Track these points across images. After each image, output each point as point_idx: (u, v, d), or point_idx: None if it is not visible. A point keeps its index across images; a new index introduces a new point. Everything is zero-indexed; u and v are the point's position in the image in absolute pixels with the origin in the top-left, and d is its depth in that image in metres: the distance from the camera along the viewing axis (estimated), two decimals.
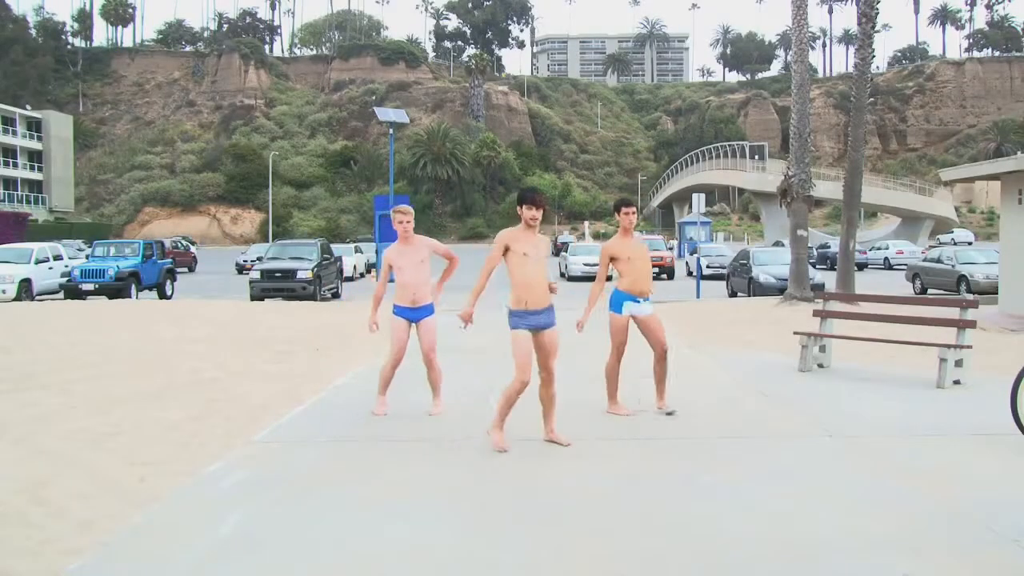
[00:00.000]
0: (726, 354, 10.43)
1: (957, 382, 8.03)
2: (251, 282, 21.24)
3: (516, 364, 5.56)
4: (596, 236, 71.29)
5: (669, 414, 6.77)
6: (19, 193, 70.21)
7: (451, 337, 9.03)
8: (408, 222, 6.79)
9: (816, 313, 9.70)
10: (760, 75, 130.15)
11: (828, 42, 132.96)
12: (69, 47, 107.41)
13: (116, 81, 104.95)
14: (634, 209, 6.74)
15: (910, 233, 53.72)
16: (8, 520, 4.36)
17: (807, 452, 5.71)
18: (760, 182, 57.90)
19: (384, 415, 6.80)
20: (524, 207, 5.55)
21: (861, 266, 34.81)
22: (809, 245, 21.18)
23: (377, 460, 5.59)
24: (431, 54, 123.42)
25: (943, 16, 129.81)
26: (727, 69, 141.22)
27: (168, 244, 33.39)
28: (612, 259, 6.74)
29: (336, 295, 23.24)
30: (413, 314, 6.78)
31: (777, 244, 39.64)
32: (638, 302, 6.73)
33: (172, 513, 4.51)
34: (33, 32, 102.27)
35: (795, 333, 9.44)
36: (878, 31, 19.17)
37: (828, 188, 44.36)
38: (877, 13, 18.58)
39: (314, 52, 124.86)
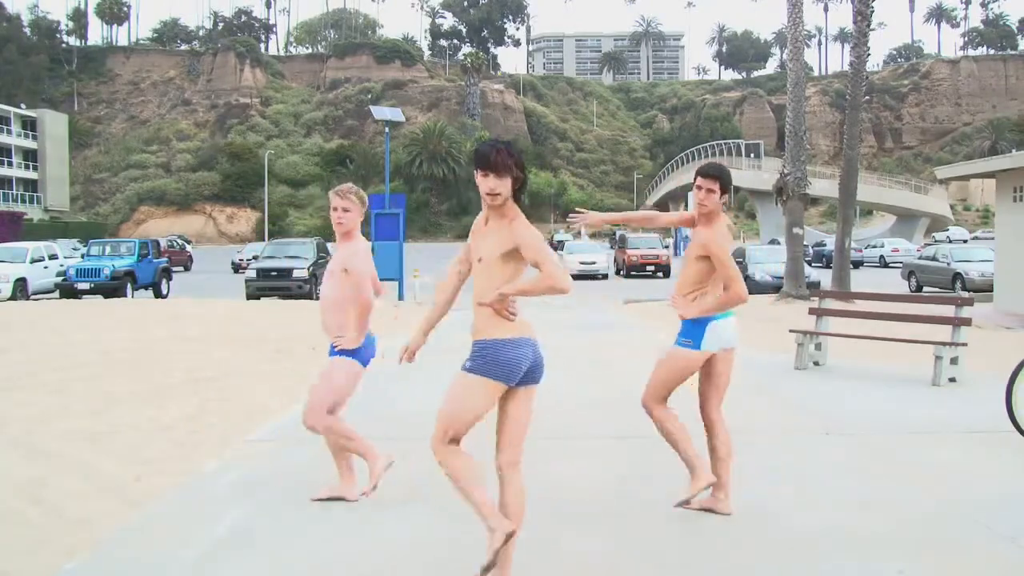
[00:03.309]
0: None
1: (952, 380, 8.04)
2: (247, 281, 21.30)
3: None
4: (592, 235, 71.32)
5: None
6: (14, 192, 70.12)
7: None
8: (346, 210, 4.37)
9: (812, 311, 9.71)
10: (756, 73, 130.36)
11: (824, 40, 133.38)
12: (64, 46, 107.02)
13: (111, 80, 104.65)
14: (714, 183, 4.23)
15: (905, 231, 53.92)
16: (4, 519, 4.35)
17: (803, 449, 5.72)
18: (756, 180, 58.12)
19: (363, 496, 4.53)
20: (479, 174, 3.21)
21: (857, 264, 34.92)
22: (805, 243, 21.23)
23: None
24: (427, 52, 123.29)
25: (938, 14, 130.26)
26: (723, 67, 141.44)
27: (164, 243, 33.30)
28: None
29: None
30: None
31: (773, 242, 39.73)
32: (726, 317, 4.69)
33: (168, 512, 4.50)
34: (27, 31, 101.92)
35: (791, 331, 9.45)
36: (873, 29, 19.19)
37: (824, 186, 44.52)
38: (872, 11, 18.62)
39: (310, 51, 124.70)
